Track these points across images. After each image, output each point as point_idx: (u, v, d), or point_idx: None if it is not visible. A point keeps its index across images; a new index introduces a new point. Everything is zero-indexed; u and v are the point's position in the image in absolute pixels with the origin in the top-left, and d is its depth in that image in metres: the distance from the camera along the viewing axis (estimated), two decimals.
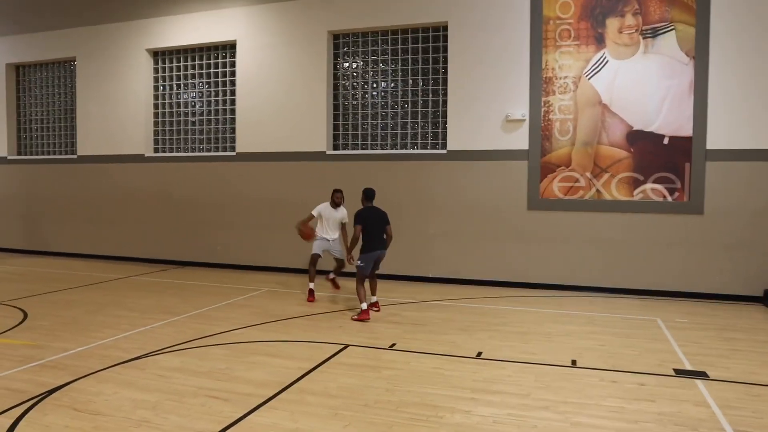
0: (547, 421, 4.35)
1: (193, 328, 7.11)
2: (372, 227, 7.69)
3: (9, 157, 14.51)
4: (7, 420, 4.33)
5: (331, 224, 8.84)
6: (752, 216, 8.86)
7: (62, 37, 13.57)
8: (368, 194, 7.94)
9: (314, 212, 8.82)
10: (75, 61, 13.57)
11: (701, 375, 5.41)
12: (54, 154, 14.21)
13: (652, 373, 5.46)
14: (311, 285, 8.87)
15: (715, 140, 8.98)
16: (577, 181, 9.66)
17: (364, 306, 7.57)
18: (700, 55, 8.97)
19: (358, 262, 7.73)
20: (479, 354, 6.07)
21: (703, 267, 9.10)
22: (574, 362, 5.79)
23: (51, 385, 5.05)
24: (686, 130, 9.11)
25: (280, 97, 11.42)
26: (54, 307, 8.35)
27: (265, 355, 5.99)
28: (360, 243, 7.77)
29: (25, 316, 7.76)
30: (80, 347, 6.26)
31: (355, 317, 7.62)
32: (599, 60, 9.48)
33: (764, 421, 4.38)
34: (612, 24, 9.41)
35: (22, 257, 13.78)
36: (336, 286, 9.42)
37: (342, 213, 8.88)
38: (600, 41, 9.48)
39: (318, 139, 11.13)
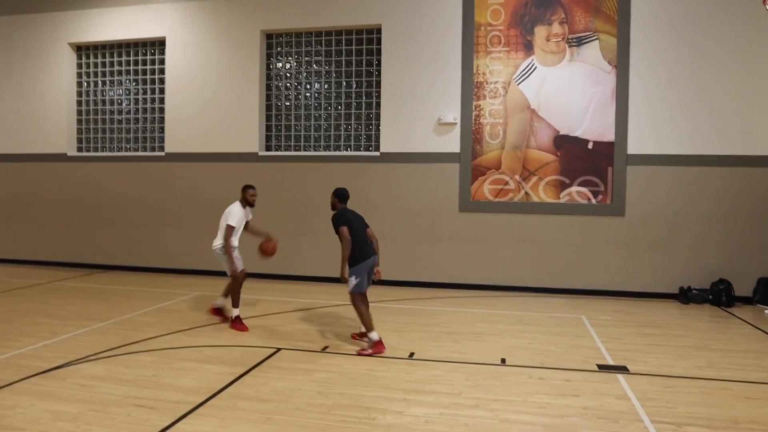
0: (477, 419, 4.44)
1: (118, 335, 6.84)
2: (356, 231, 6.41)
3: None
4: None
5: (240, 228, 7.39)
6: (671, 218, 9.35)
7: None
8: (344, 195, 6.68)
9: (234, 222, 7.20)
10: None
11: (622, 369, 5.67)
12: None
13: (576, 369, 5.68)
14: (237, 311, 7.30)
15: (635, 145, 9.43)
16: (506, 183, 9.92)
17: (375, 336, 6.18)
18: (621, 63, 9.40)
19: (352, 278, 6.28)
20: (411, 355, 6.13)
21: (625, 266, 9.53)
22: (503, 360, 5.95)
23: None
24: (609, 135, 9.53)
25: (211, 96, 11.16)
26: None
27: (194, 361, 5.84)
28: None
29: None
30: None
31: (366, 351, 6.14)
32: (528, 66, 9.78)
33: (678, 410, 4.63)
34: (540, 32, 9.73)
35: None
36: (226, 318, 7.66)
37: (249, 213, 7.57)
38: (529, 48, 9.78)
39: (250, 140, 10.95)
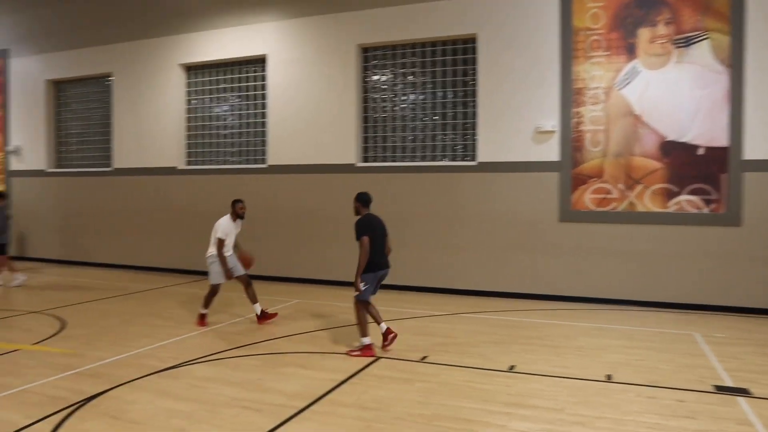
0: None
1: (225, 339, 7.18)
2: (376, 239, 6.45)
3: (47, 170, 14.90)
4: (48, 426, 4.43)
5: (232, 240, 8.02)
6: None
7: (99, 53, 13.93)
8: (366, 199, 6.66)
9: (222, 235, 7.77)
10: (111, 76, 13.91)
11: (743, 392, 5.27)
12: (91, 167, 14.55)
13: (691, 389, 5.34)
14: (205, 310, 7.96)
15: (752, 150, 8.79)
16: (609, 192, 9.54)
17: (367, 341, 6.44)
18: (735, 63, 8.81)
19: (362, 284, 6.40)
20: (511, 367, 6.01)
21: (742, 280, 8.87)
22: (609, 377, 5.70)
23: (89, 393, 5.15)
24: (721, 140, 8.93)
25: (310, 110, 11.54)
26: (91, 316, 8.52)
27: (296, 367, 6.02)
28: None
29: (63, 325, 7.94)
30: (117, 356, 6.38)
31: (356, 352, 6.45)
32: (630, 70, 9.38)
33: None
34: (643, 34, 9.31)
35: (59, 267, 14.09)
36: (270, 315, 8.21)
37: (239, 225, 8.13)
38: (631, 51, 9.38)
39: (347, 152, 11.20)
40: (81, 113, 14.74)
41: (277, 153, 11.89)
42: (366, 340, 6.44)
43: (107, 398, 5.06)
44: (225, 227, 7.83)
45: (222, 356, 6.42)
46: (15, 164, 15.41)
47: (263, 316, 8.07)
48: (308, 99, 11.55)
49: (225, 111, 12.77)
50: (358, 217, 6.58)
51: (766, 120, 8.72)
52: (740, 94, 8.80)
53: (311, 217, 11.50)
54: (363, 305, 6.51)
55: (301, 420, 4.58)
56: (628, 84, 9.40)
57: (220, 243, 7.74)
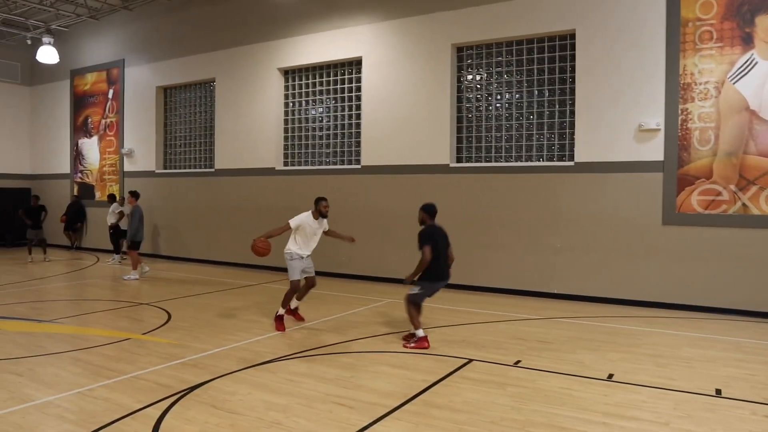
0: None
1: (319, 336, 7.34)
2: (439, 250, 6.70)
3: (156, 171, 15.88)
4: (156, 411, 4.70)
5: (310, 238, 7.76)
6: None
7: (203, 60, 14.69)
8: (432, 210, 6.93)
9: (292, 223, 7.66)
10: (214, 81, 14.62)
11: None
12: (194, 167, 15.36)
13: None
14: (283, 311, 7.76)
15: None
16: (719, 194, 8.93)
17: (421, 332, 6.72)
18: None
19: (417, 288, 6.76)
20: (610, 376, 5.75)
21: None
22: (718, 391, 5.32)
23: (192, 383, 5.42)
24: None
25: (404, 110, 11.60)
26: (194, 309, 8.99)
27: (389, 366, 6.06)
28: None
29: (169, 317, 8.42)
30: (217, 348, 6.68)
31: (411, 344, 6.74)
32: (746, 62, 8.73)
33: None
34: (762, 22, 8.64)
35: (165, 262, 14.98)
36: (300, 317, 8.22)
37: (325, 224, 7.90)
38: (748, 42, 8.73)
39: (441, 152, 11.16)
40: (186, 117, 15.60)
41: (371, 154, 12.04)
42: (420, 332, 6.71)
43: (208, 388, 5.30)
44: (300, 218, 7.67)
45: (315, 353, 6.56)
46: (128, 165, 16.53)
47: (294, 312, 8.14)
48: (402, 99, 11.62)
49: (321, 113, 13.08)
50: (422, 227, 6.85)
51: None
52: None
53: (404, 218, 11.54)
54: (415, 306, 6.81)
55: (393, 419, 4.60)
56: (743, 77, 8.76)
57: (283, 227, 7.66)
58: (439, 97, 11.17)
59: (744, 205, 8.78)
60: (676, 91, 9.15)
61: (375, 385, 5.43)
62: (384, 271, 11.81)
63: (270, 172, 13.49)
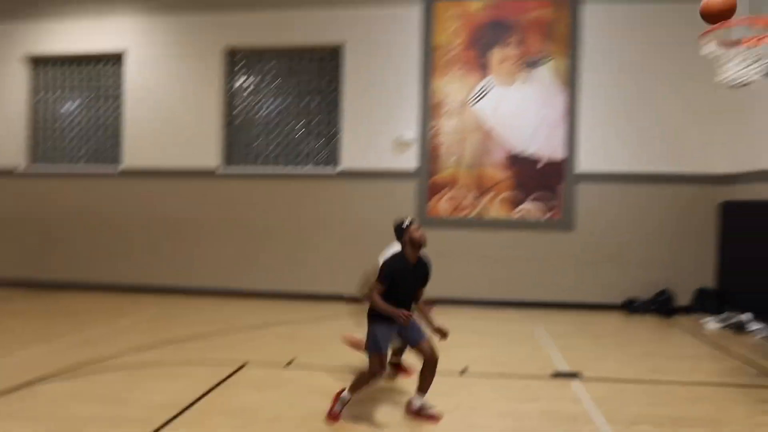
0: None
1: (76, 354, 6.73)
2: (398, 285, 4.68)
3: None
4: None
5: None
6: (618, 232, 9.89)
7: None
8: (396, 230, 4.90)
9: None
10: None
11: (576, 375, 5.97)
12: None
13: (534, 377, 5.95)
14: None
15: (585, 164, 9.93)
16: (462, 200, 10.25)
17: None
18: (572, 85, 9.92)
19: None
20: None
21: (576, 279, 9.96)
22: (465, 369, 6.16)
23: None
24: (559, 154, 9.99)
25: (170, 112, 11.10)
26: None
27: (161, 378, 5.83)
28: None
29: None
30: None
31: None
32: (483, 87, 10.18)
33: (629, 410, 4.95)
34: (496, 54, 10.16)
35: None
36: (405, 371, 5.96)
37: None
38: (485, 69, 10.19)
39: (209, 157, 10.95)
40: None
41: (134, 156, 11.23)
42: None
43: None
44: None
45: (77, 374, 6.03)
46: None
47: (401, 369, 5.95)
48: (169, 100, 11.10)
49: (75, 108, 11.82)
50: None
51: (595, 137, 9.90)
52: (575, 113, 9.92)
53: (171, 223, 11.07)
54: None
55: (169, 430, 4.48)
56: (480, 100, 10.19)
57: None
58: (209, 100, 10.96)
59: (482, 209, 10.21)
60: (428, 108, 10.29)
61: (147, 398, 5.18)
62: (145, 280, 11.11)
63: (9, 174, 11.77)
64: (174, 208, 11.10)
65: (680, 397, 5.39)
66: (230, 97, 11.18)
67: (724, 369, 6.48)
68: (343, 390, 4.75)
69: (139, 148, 11.24)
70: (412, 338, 4.86)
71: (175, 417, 4.69)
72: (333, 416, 4.67)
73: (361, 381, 4.71)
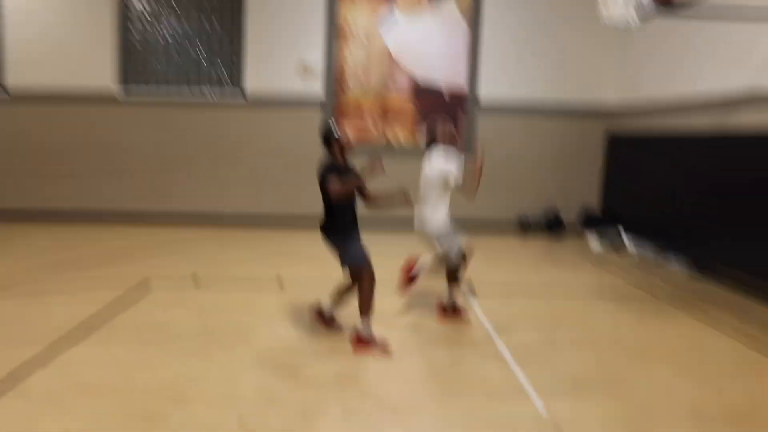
0: None
1: None
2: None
3: None
4: None
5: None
6: (513, 158, 10.51)
7: None
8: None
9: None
10: None
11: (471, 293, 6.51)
12: None
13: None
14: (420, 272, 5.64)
15: (486, 95, 10.38)
16: (368, 128, 10.47)
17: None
18: (474, 16, 10.19)
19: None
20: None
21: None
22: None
23: None
24: (463, 85, 10.37)
25: (60, 33, 10.36)
26: None
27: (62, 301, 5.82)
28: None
29: None
30: None
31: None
32: (390, 16, 10.24)
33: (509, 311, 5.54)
34: None
35: None
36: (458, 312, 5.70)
37: (446, 162, 5.53)
38: None
39: (106, 82, 10.42)
40: None
41: (19, 80, 10.49)
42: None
43: None
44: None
45: None
46: None
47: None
48: (58, 20, 10.35)
49: None
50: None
51: (495, 70, 10.31)
52: (477, 45, 10.26)
53: (70, 151, 10.58)
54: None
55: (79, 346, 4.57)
56: (387, 29, 10.26)
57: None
58: (103, 23, 10.31)
59: (388, 137, 10.49)
60: (334, 35, 10.25)
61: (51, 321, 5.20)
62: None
63: None
64: (71, 134, 10.61)
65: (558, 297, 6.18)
66: (125, 21, 10.56)
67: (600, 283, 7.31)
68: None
69: (24, 71, 10.50)
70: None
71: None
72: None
73: (367, 298, 4.61)
